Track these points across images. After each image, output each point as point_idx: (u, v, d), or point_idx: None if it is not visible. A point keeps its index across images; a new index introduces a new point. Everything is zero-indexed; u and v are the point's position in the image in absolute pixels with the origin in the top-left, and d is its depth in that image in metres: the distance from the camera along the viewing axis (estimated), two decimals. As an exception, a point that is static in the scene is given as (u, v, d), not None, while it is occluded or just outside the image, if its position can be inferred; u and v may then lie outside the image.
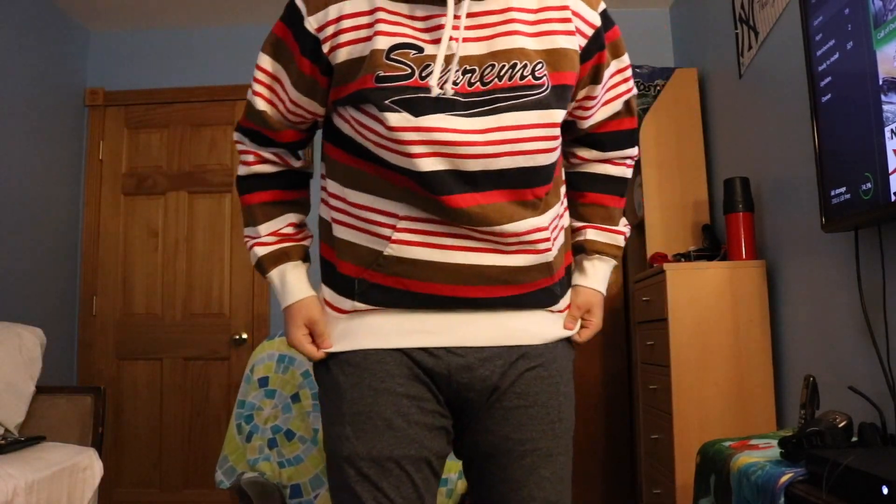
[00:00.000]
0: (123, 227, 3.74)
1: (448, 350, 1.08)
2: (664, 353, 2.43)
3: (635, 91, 1.23)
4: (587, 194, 1.26)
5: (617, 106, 1.21)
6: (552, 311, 1.14)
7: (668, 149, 3.05)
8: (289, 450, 1.85)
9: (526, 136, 1.03)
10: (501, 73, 1.03)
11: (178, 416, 3.56)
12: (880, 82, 1.55)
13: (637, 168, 3.23)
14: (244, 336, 3.60)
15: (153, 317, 3.67)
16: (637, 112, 1.28)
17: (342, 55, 1.05)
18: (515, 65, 1.03)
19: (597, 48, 1.13)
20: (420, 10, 1.03)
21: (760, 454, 1.63)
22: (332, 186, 1.14)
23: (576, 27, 1.10)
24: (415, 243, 1.05)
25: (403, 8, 1.04)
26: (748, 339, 2.38)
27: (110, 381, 3.59)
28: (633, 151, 1.27)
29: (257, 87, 1.13)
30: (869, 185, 1.61)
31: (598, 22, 1.13)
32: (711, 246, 2.74)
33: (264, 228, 1.18)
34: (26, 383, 2.52)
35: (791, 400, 2.30)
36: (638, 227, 3.37)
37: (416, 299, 1.06)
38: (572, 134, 1.24)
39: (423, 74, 1.01)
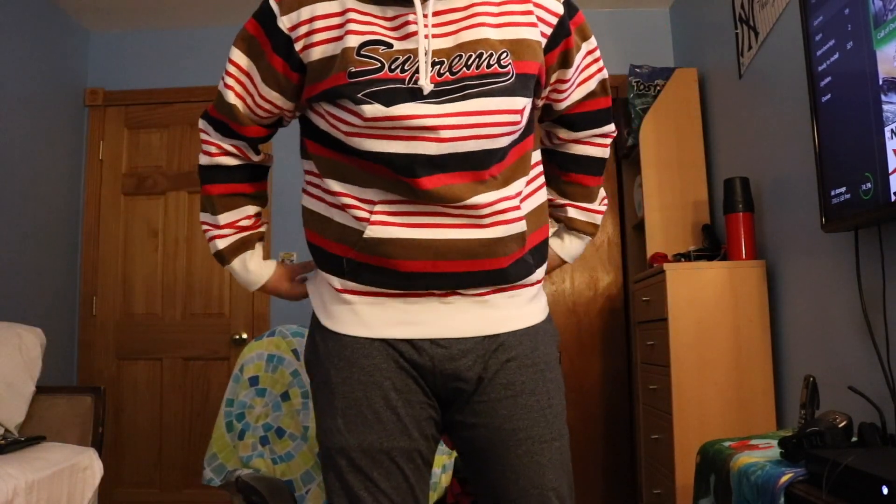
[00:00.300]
0: (123, 227, 3.74)
1: (432, 342, 1.12)
2: (664, 353, 2.43)
3: (606, 72, 1.28)
4: (569, 174, 1.33)
5: (591, 85, 1.26)
6: (529, 286, 1.18)
7: (668, 149, 3.05)
8: (280, 447, 1.89)
9: (490, 121, 1.08)
10: (469, 63, 1.08)
11: (178, 416, 3.56)
12: (880, 82, 1.55)
13: (637, 168, 3.23)
14: (244, 336, 3.60)
15: (153, 317, 3.67)
16: (610, 91, 1.31)
17: (315, 54, 1.10)
18: (482, 54, 1.08)
19: (563, 34, 1.17)
20: (390, 11, 1.09)
21: (760, 454, 1.63)
22: (312, 177, 1.19)
23: (537, 17, 1.14)
24: (392, 223, 1.10)
25: (373, 9, 1.09)
26: (748, 339, 2.38)
27: (110, 381, 3.59)
28: (611, 128, 1.32)
29: (229, 81, 1.17)
30: (869, 185, 1.61)
31: (560, 10, 1.17)
32: (711, 246, 2.74)
33: (223, 219, 1.24)
34: (26, 383, 2.52)
35: (791, 400, 2.30)
36: (638, 227, 3.37)
37: (402, 278, 1.11)
38: (550, 115, 1.28)
39: (392, 67, 1.06)
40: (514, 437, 1.13)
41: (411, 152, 1.06)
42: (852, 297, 1.87)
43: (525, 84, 1.11)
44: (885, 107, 1.54)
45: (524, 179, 1.18)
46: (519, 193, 1.16)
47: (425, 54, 1.07)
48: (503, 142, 1.10)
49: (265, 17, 1.13)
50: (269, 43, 1.13)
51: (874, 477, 1.17)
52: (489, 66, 1.08)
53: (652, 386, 2.62)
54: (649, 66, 3.31)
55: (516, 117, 1.10)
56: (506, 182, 1.14)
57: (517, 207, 1.14)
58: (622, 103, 3.42)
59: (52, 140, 3.50)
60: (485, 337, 1.14)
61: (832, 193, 1.79)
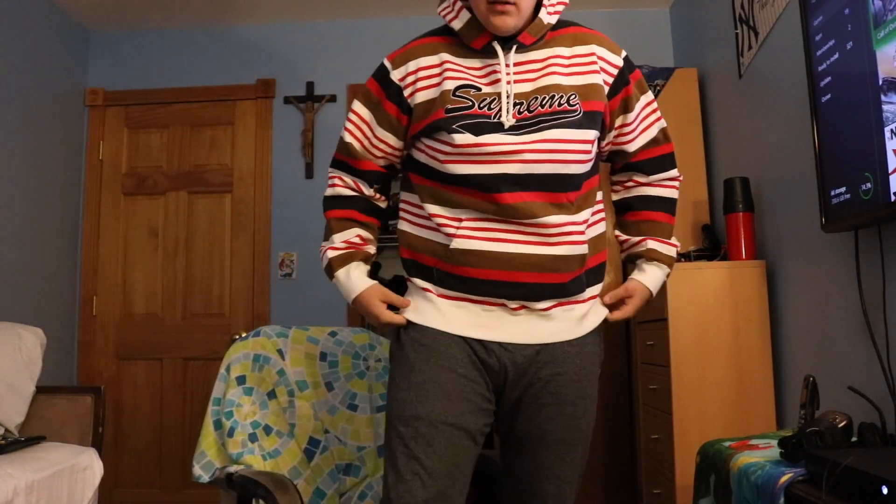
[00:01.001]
0: (123, 227, 3.74)
1: (500, 345, 1.33)
2: (664, 353, 2.43)
3: (664, 123, 1.51)
4: (644, 212, 1.51)
5: (653, 132, 1.48)
6: (580, 302, 1.38)
7: (668, 149, 3.05)
8: (268, 443, 1.93)
9: (562, 148, 1.30)
10: (543, 103, 1.32)
11: (178, 416, 3.56)
12: (880, 82, 1.55)
13: (637, 168, 3.23)
14: (244, 336, 3.59)
15: (153, 317, 3.67)
16: (672, 140, 1.54)
17: (420, 97, 1.36)
18: (554, 96, 1.33)
19: (623, 83, 1.41)
20: (478, 62, 1.36)
21: (760, 454, 1.63)
22: (410, 204, 1.42)
23: (600, 67, 1.39)
24: (474, 237, 1.32)
25: (465, 61, 1.36)
26: (748, 339, 2.38)
27: (110, 381, 3.59)
28: (675, 173, 1.51)
29: (349, 126, 1.45)
30: (869, 185, 1.61)
31: (620, 63, 1.41)
32: (711, 246, 2.74)
33: (337, 238, 1.47)
34: (26, 383, 2.52)
35: (791, 400, 2.30)
36: (638, 227, 3.37)
37: (479, 285, 1.32)
38: (622, 161, 1.50)
39: (481, 105, 1.32)
40: (550, 437, 1.36)
41: (496, 172, 1.29)
42: (852, 297, 1.87)
43: (592, 119, 1.34)
44: (885, 107, 1.54)
45: (591, 210, 1.40)
46: (585, 221, 1.38)
47: (507, 96, 1.32)
48: (574, 168, 1.32)
49: (380, 74, 1.41)
50: (383, 93, 1.40)
51: (874, 477, 1.17)
52: (560, 104, 1.32)
53: (652, 386, 2.62)
54: (649, 66, 3.30)
55: (585, 146, 1.32)
56: (578, 209, 1.35)
57: (582, 232, 1.36)
58: (622, 103, 3.42)
59: (52, 140, 3.50)
60: (543, 345, 1.34)
61: (832, 193, 1.79)
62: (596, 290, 1.43)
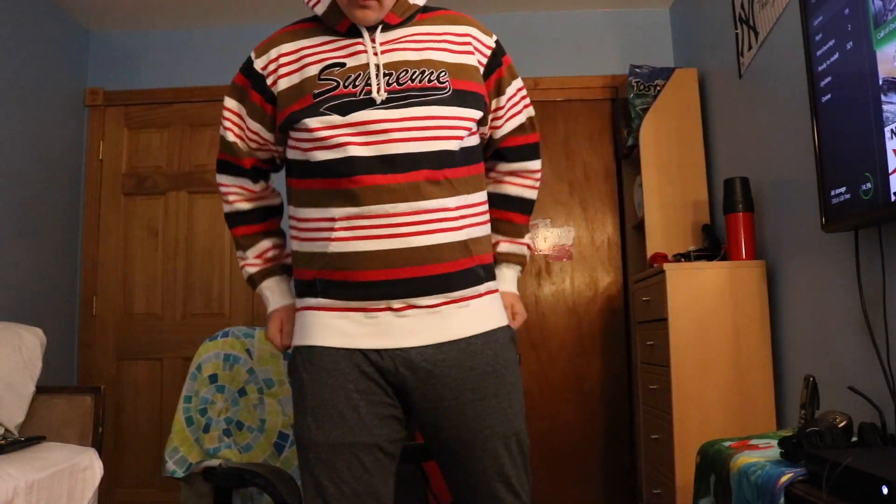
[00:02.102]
0: (123, 227, 3.73)
1: (390, 351, 1.28)
2: (664, 353, 2.43)
3: (533, 111, 1.51)
4: (500, 212, 1.52)
5: (521, 119, 1.48)
6: (480, 296, 1.34)
7: (668, 149, 3.05)
8: (241, 438, 2.03)
9: (432, 125, 1.28)
10: (414, 77, 1.30)
11: (178, 416, 3.56)
12: (880, 82, 1.55)
13: (637, 168, 3.23)
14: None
15: (153, 317, 3.67)
16: (538, 129, 1.54)
17: (282, 84, 1.35)
18: (424, 71, 1.31)
19: (496, 64, 1.42)
20: (343, 42, 1.34)
21: (760, 454, 1.63)
22: (293, 218, 1.39)
23: (474, 48, 1.39)
24: (350, 238, 1.27)
25: (328, 44, 1.34)
26: (748, 339, 2.38)
27: (110, 381, 3.59)
28: (537, 164, 1.54)
29: (226, 123, 1.45)
30: (869, 185, 1.61)
31: (493, 45, 1.42)
32: (711, 246, 2.74)
33: (250, 253, 1.50)
34: (26, 383, 2.52)
35: (791, 400, 2.30)
36: (638, 227, 3.37)
37: (360, 288, 1.28)
38: (489, 149, 1.49)
39: (346, 84, 1.29)
40: (482, 435, 1.31)
41: (365, 155, 1.26)
42: (852, 297, 1.87)
43: (463, 98, 1.32)
44: (885, 107, 1.54)
45: (476, 197, 1.37)
46: (464, 207, 1.33)
47: (375, 68, 1.30)
48: (448, 145, 1.29)
49: (246, 65, 1.42)
50: (248, 83, 1.40)
51: (874, 477, 1.17)
52: (430, 80, 1.31)
53: (652, 386, 2.62)
54: (649, 66, 3.31)
55: (456, 122, 1.30)
56: (455, 191, 1.31)
57: (453, 219, 1.30)
58: (622, 103, 3.42)
59: (52, 140, 3.50)
60: (440, 345, 1.29)
61: (832, 193, 1.79)
62: (494, 285, 1.40)
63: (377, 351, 1.28)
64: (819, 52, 1.83)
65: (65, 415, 2.55)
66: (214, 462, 1.92)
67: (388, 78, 1.29)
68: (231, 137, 1.44)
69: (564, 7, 3.67)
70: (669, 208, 3.02)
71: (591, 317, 3.59)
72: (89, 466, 2.36)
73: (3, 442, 2.24)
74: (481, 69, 1.38)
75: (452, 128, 1.30)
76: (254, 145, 1.44)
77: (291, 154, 1.37)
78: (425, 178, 1.27)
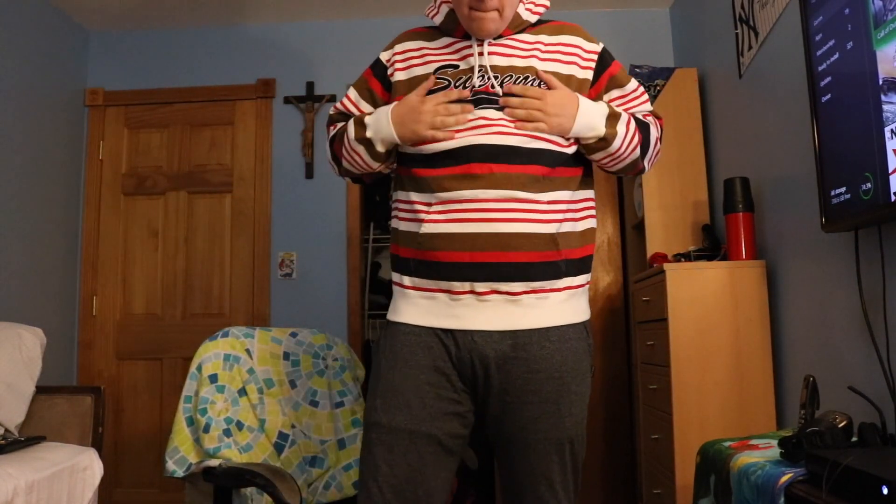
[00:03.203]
0: (123, 227, 3.74)
1: (471, 337, 1.33)
2: (664, 353, 2.43)
3: (651, 107, 1.52)
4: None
5: (646, 108, 1.51)
6: (555, 290, 1.36)
7: (668, 149, 3.05)
8: (241, 438, 2.03)
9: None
10: (517, 82, 1.37)
11: (178, 416, 3.56)
12: (880, 82, 1.55)
13: (637, 168, 3.23)
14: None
15: (153, 317, 3.67)
16: (660, 116, 1.55)
17: (399, 76, 1.46)
18: (528, 77, 1.37)
19: (604, 66, 1.46)
20: (456, 46, 1.43)
21: (760, 454, 1.63)
22: (398, 200, 1.46)
23: (580, 57, 1.44)
24: (441, 220, 1.34)
25: (444, 48, 1.44)
26: (748, 339, 2.38)
27: (110, 381, 3.59)
28: (658, 122, 1.52)
29: (338, 105, 1.55)
30: (869, 185, 1.61)
31: (598, 49, 1.47)
32: (711, 246, 2.74)
33: (350, 123, 1.47)
34: (26, 383, 2.52)
35: (791, 400, 2.30)
36: (638, 227, 3.37)
37: (447, 268, 1.33)
38: None
39: (457, 84, 1.38)
40: (535, 438, 1.34)
41: (470, 144, 1.33)
42: (852, 297, 1.87)
43: None
44: (885, 107, 1.54)
45: (567, 195, 1.40)
46: (553, 205, 1.37)
47: (479, 67, 1.37)
48: (543, 144, 1.34)
49: (375, 59, 1.53)
50: (371, 73, 1.51)
51: (874, 477, 1.17)
52: (532, 86, 1.36)
53: (652, 386, 2.62)
54: (649, 66, 3.31)
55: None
56: (548, 188, 1.35)
57: (543, 212, 1.35)
58: (622, 103, 3.42)
59: (52, 140, 3.50)
60: (516, 339, 1.33)
61: (832, 193, 1.79)
62: (576, 281, 1.41)
63: (456, 336, 1.34)
64: (819, 52, 1.83)
65: (65, 415, 2.55)
66: (214, 462, 1.92)
67: (496, 79, 1.37)
68: (333, 113, 1.56)
69: (565, 7, 3.67)
70: (669, 208, 3.02)
71: (591, 317, 3.58)
72: (89, 466, 2.36)
73: (3, 442, 2.24)
74: (588, 75, 1.44)
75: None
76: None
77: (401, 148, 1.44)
78: (523, 171, 1.33)
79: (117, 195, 3.75)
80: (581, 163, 1.45)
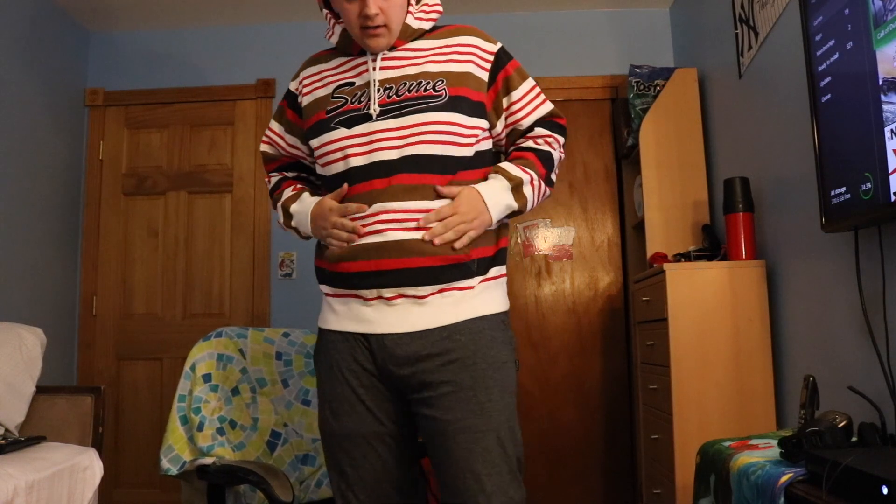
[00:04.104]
0: (123, 227, 3.73)
1: (382, 338, 1.36)
2: (664, 353, 2.43)
3: (552, 106, 1.54)
4: (516, 153, 1.53)
5: (544, 110, 1.52)
6: (464, 289, 1.38)
7: (668, 149, 3.05)
8: (234, 436, 2.06)
9: (427, 129, 1.36)
10: (411, 88, 1.40)
11: (178, 416, 3.56)
12: (880, 82, 1.55)
13: (637, 168, 3.23)
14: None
15: (153, 317, 3.67)
16: (561, 115, 1.56)
17: (306, 100, 1.51)
18: (421, 82, 1.40)
19: (500, 67, 1.47)
20: (352, 63, 1.48)
21: (760, 454, 1.63)
22: None
23: (476, 56, 1.45)
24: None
25: (342, 66, 1.49)
26: (748, 339, 2.38)
27: (110, 381, 3.59)
28: (561, 136, 1.54)
29: (264, 139, 1.63)
30: (869, 185, 1.62)
31: (495, 50, 1.48)
32: (711, 246, 2.74)
33: (285, 194, 1.57)
34: (26, 383, 2.52)
35: (791, 400, 2.30)
36: (638, 227, 3.37)
37: (354, 278, 1.37)
38: (518, 139, 1.53)
39: (353, 100, 1.42)
40: (455, 427, 1.33)
41: (369, 162, 1.37)
42: (852, 297, 1.87)
43: (459, 104, 1.39)
44: (885, 107, 1.54)
45: None
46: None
47: (374, 83, 1.41)
48: (442, 149, 1.37)
49: (287, 91, 1.58)
50: (286, 102, 1.58)
51: (874, 477, 1.17)
52: (426, 90, 1.39)
53: (652, 386, 2.62)
54: (649, 66, 3.31)
55: (453, 128, 1.37)
56: (445, 197, 1.37)
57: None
58: (622, 103, 3.42)
59: (52, 140, 3.50)
60: (424, 333, 1.35)
61: (832, 193, 1.79)
62: (491, 274, 1.43)
63: (370, 339, 1.38)
64: (819, 52, 1.83)
65: (65, 415, 2.55)
66: (208, 460, 1.94)
67: (388, 91, 1.40)
68: (262, 147, 1.62)
69: (564, 7, 3.67)
70: (669, 208, 3.02)
71: (591, 317, 3.59)
72: (89, 466, 2.36)
73: (3, 442, 2.24)
74: (485, 76, 1.45)
75: (447, 133, 1.37)
76: (295, 153, 1.60)
77: (318, 169, 1.51)
78: (421, 182, 1.36)
79: (117, 195, 3.75)
80: (486, 163, 1.47)
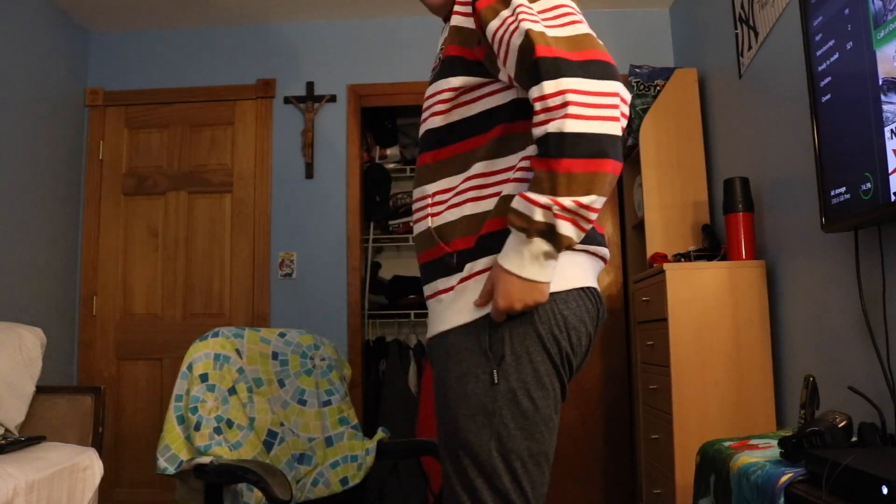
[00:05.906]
0: (123, 227, 3.73)
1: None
2: (664, 353, 2.43)
3: (526, 29, 1.09)
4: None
5: (514, 45, 1.11)
6: (449, 289, 1.19)
7: (668, 149, 3.05)
8: (231, 436, 2.06)
9: (428, 103, 1.28)
10: (438, 57, 1.29)
11: (178, 416, 3.56)
12: (880, 82, 1.55)
13: (637, 168, 3.23)
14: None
15: (153, 317, 3.67)
16: (538, 44, 1.07)
17: None
18: (441, 48, 1.30)
19: (474, 7, 1.20)
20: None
21: (760, 454, 1.63)
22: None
23: (461, 2, 1.25)
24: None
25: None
26: (748, 339, 2.38)
27: (110, 381, 3.59)
28: (538, 90, 1.06)
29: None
30: (869, 185, 1.61)
31: None
32: (711, 246, 2.74)
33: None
34: (26, 383, 2.52)
35: (791, 400, 2.30)
36: (638, 227, 3.37)
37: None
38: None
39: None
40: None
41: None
42: (852, 297, 1.87)
43: (451, 65, 1.24)
44: (884, 107, 1.54)
45: (452, 179, 1.23)
46: (438, 195, 1.24)
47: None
48: (432, 122, 1.25)
49: None
50: None
51: (874, 477, 1.17)
52: (440, 57, 1.28)
53: (652, 386, 2.62)
54: (649, 66, 3.31)
55: (442, 96, 1.24)
56: (436, 177, 1.25)
57: (423, 208, 1.25)
58: (622, 103, 3.42)
59: (52, 140, 3.50)
60: (427, 342, 1.27)
61: (832, 193, 1.79)
62: (476, 267, 1.17)
63: None
64: (819, 52, 1.83)
65: (65, 415, 2.55)
66: (205, 459, 1.94)
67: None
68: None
69: (564, 7, 3.67)
70: (669, 208, 3.02)
71: (591, 317, 3.59)
72: (89, 466, 2.36)
73: (3, 442, 2.24)
74: (471, 22, 1.20)
75: (438, 102, 1.24)
76: None
77: None
78: (425, 161, 1.28)
79: (117, 195, 3.75)
80: (473, 132, 1.22)
